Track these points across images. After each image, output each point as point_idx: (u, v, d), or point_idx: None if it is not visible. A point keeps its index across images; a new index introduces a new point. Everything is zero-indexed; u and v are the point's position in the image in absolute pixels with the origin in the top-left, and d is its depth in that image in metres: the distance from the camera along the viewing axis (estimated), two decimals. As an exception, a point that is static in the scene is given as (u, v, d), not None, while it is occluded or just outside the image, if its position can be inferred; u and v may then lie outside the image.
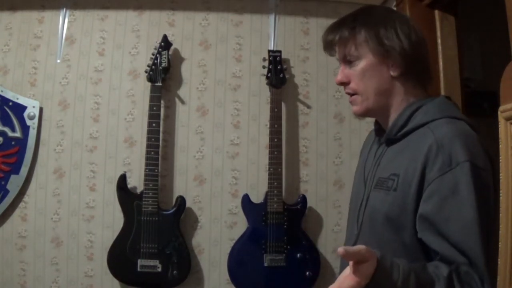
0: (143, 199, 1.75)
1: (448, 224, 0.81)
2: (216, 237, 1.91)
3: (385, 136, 0.99)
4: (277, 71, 1.90)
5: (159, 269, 1.73)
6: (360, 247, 0.72)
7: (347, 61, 0.98)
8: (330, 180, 1.99)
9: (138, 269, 1.72)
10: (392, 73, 0.94)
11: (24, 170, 1.83)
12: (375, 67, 0.94)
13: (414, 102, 0.95)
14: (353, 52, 0.96)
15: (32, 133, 1.85)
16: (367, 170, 1.03)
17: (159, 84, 1.82)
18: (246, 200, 1.85)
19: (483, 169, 0.82)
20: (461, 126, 0.88)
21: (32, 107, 1.86)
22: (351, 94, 0.99)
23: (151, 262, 1.73)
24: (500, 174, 0.85)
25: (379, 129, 1.06)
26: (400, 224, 0.88)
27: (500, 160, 0.86)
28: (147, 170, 1.76)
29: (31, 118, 1.86)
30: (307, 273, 1.79)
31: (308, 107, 2.03)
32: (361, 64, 0.95)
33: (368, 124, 2.03)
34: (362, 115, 1.01)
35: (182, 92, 1.98)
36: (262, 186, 1.92)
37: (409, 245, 0.87)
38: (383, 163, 0.97)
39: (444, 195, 0.81)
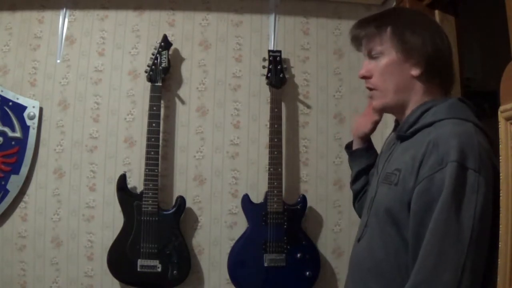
0: (143, 199, 1.75)
1: (424, 233, 0.82)
2: (216, 237, 1.91)
3: (397, 132, 1.02)
4: (277, 71, 1.90)
5: (159, 269, 1.73)
6: None
7: (372, 57, 1.01)
8: (330, 180, 1.99)
9: (138, 269, 1.72)
10: (413, 72, 0.96)
11: (24, 170, 1.83)
12: (396, 65, 0.97)
13: (427, 102, 0.96)
14: (378, 47, 0.99)
15: (32, 133, 1.85)
16: (381, 164, 1.06)
17: (159, 84, 1.82)
18: (246, 200, 1.84)
19: (474, 170, 0.80)
20: (464, 127, 0.88)
21: (32, 107, 1.86)
22: (371, 89, 1.03)
23: (151, 262, 1.73)
24: (500, 174, 0.85)
25: (397, 126, 1.08)
26: (400, 219, 0.89)
27: (500, 160, 0.86)
28: (147, 170, 1.76)
29: (31, 118, 1.86)
30: (307, 273, 1.79)
31: (308, 107, 2.03)
32: (384, 60, 0.98)
33: (368, 124, 2.03)
34: (380, 110, 1.06)
35: (182, 92, 1.98)
36: (262, 186, 1.92)
37: (408, 241, 0.88)
38: (392, 158, 1.00)
39: (431, 198, 0.82)
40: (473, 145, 0.83)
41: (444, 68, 0.98)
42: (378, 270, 0.93)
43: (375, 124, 1.23)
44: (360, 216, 1.25)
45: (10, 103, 1.84)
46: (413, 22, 0.98)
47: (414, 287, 0.80)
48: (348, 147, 1.34)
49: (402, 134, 0.98)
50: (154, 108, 1.80)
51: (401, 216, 0.88)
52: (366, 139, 1.28)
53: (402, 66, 0.96)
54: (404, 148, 0.96)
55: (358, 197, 1.29)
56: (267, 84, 1.92)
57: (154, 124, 1.79)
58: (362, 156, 1.27)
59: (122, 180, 1.79)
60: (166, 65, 1.83)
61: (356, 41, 1.04)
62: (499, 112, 0.90)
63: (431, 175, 0.82)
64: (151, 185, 1.75)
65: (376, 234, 0.95)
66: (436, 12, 1.77)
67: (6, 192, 1.81)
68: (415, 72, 0.96)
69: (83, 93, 1.94)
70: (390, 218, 0.91)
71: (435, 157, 0.83)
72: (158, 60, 1.84)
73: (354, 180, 1.29)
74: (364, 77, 1.03)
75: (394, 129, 1.10)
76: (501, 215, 0.83)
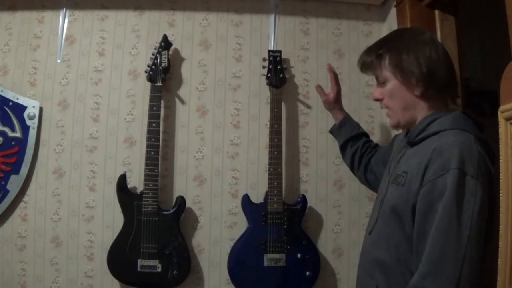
0: (143, 199, 1.75)
1: (427, 229, 0.92)
2: (216, 237, 1.91)
3: (407, 138, 1.14)
4: (277, 71, 1.90)
5: (159, 269, 1.73)
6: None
7: (379, 82, 1.15)
8: (330, 180, 1.99)
9: (138, 269, 1.72)
10: (416, 92, 1.08)
11: (24, 170, 1.83)
12: (399, 89, 1.10)
13: (434, 113, 1.08)
14: (381, 75, 1.12)
15: (32, 133, 1.85)
16: (391, 167, 1.18)
17: (159, 84, 1.82)
18: (246, 200, 1.84)
19: (472, 176, 0.90)
20: (465, 137, 0.97)
21: (32, 107, 1.86)
22: (386, 107, 1.17)
23: (151, 262, 1.73)
24: (500, 174, 0.85)
25: (407, 132, 1.20)
26: (403, 216, 1.00)
27: (500, 160, 0.86)
28: (147, 170, 1.76)
29: (31, 118, 1.86)
30: (307, 273, 1.79)
31: (308, 107, 2.03)
32: (388, 86, 1.11)
33: (368, 124, 2.04)
34: (395, 127, 1.20)
35: (182, 92, 1.98)
36: (262, 186, 1.92)
37: (410, 237, 0.99)
38: (401, 161, 1.12)
39: (434, 198, 0.92)
40: (473, 154, 0.93)
41: (444, 79, 1.06)
42: (381, 261, 1.05)
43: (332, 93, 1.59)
44: (367, 183, 1.50)
45: (10, 103, 1.84)
46: (409, 46, 1.08)
47: (422, 277, 0.90)
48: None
49: (412, 140, 1.09)
50: (154, 108, 1.80)
51: (404, 213, 0.99)
52: (337, 112, 1.59)
53: (405, 89, 1.09)
54: (412, 153, 1.08)
55: (354, 165, 1.52)
56: (267, 84, 1.92)
57: (154, 124, 1.79)
58: (338, 134, 1.58)
59: (122, 180, 1.79)
60: (166, 65, 1.83)
61: (363, 68, 1.17)
62: (499, 112, 0.90)
63: (434, 179, 0.93)
64: (151, 185, 1.75)
65: (383, 229, 1.08)
66: (436, 12, 1.77)
67: (6, 192, 1.81)
68: (417, 92, 1.07)
69: (83, 93, 1.94)
70: (395, 214, 1.02)
71: (438, 164, 0.93)
72: (158, 60, 1.83)
73: (343, 155, 1.59)
74: (377, 100, 1.17)
75: (406, 134, 1.20)
76: (501, 215, 0.84)
